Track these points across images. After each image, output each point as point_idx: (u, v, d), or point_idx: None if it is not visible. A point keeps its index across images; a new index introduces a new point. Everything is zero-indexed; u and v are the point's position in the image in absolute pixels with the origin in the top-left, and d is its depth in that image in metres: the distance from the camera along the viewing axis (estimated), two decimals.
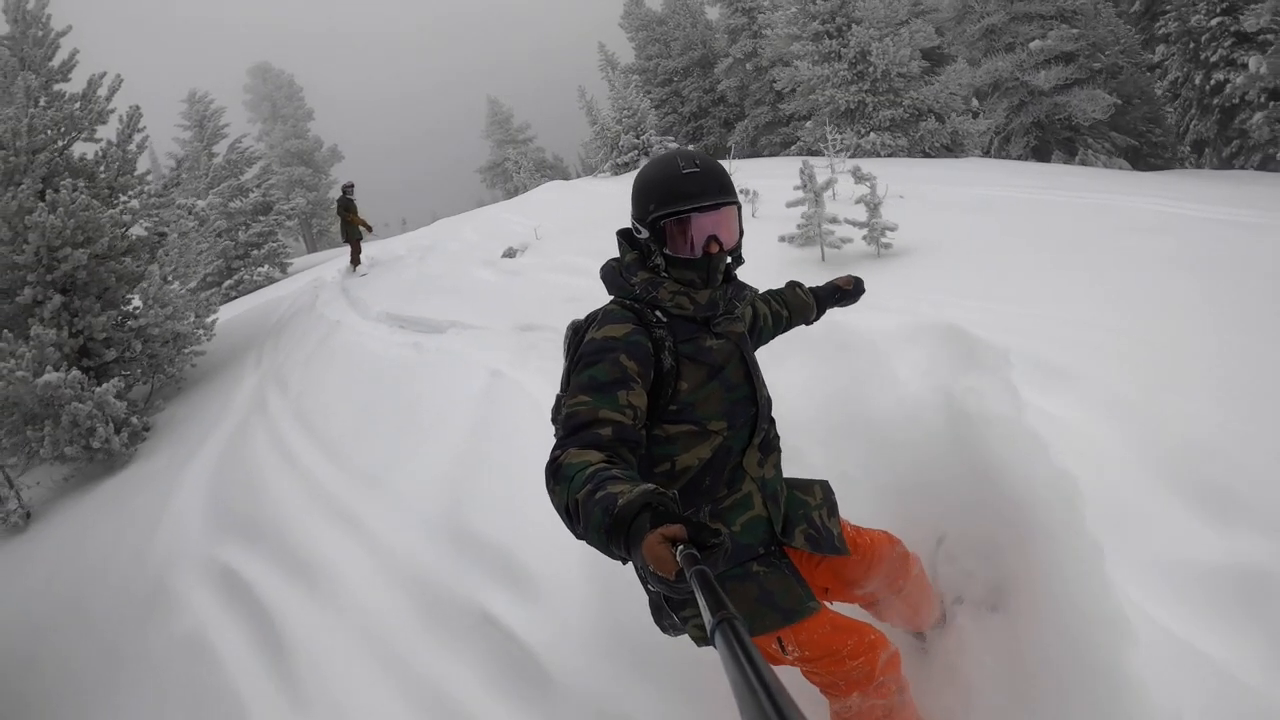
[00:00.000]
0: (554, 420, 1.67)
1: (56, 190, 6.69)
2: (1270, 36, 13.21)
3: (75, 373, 6.15)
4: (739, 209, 1.62)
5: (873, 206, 5.69)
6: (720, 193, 1.56)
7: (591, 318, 1.65)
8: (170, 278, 7.67)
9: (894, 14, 14.72)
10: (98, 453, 6.26)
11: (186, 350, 7.77)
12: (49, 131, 7.14)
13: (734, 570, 1.66)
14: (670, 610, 1.68)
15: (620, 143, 16.63)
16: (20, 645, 3.95)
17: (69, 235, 6.68)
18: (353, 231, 11.83)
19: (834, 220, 5.90)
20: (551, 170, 33.71)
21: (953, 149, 15.53)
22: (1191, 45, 15.43)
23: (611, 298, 1.67)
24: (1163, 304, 3.87)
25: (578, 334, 1.66)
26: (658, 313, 1.59)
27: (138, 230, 7.75)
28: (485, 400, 4.25)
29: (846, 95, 14.95)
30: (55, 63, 7.91)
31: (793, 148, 18.34)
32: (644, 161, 9.98)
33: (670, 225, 1.56)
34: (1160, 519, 2.34)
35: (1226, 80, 14.85)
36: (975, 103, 16.80)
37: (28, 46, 7.86)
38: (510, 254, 8.58)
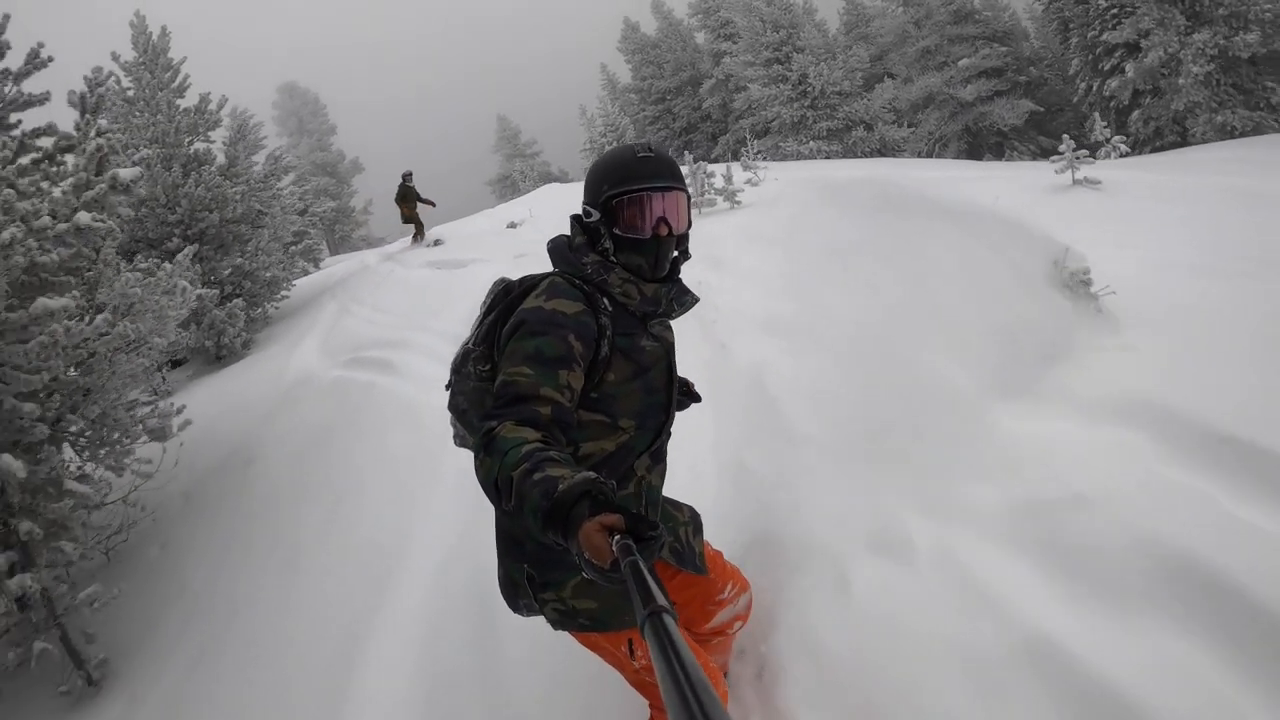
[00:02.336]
0: (457, 369, 1.74)
1: (199, 171, 9.79)
2: (1143, 42, 16.09)
3: (213, 291, 9.21)
4: (689, 199, 1.65)
5: (728, 180, 8.70)
6: (672, 177, 1.60)
7: (527, 282, 1.65)
8: (270, 240, 10.75)
9: (832, 43, 17.84)
10: (222, 349, 9.28)
11: (278, 294, 10.82)
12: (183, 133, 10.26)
13: None
14: (530, 590, 1.68)
15: (604, 151, 19.85)
16: (238, 448, 5.77)
17: (206, 203, 9.76)
18: (410, 215, 13.58)
19: (708, 190, 8.94)
20: (555, 180, 36.87)
21: (885, 153, 18.58)
22: (1090, 57, 18.35)
23: (554, 270, 1.66)
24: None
25: (508, 294, 1.67)
26: (605, 299, 1.59)
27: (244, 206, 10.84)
28: (504, 268, 7.26)
29: (790, 111, 18.09)
30: (175, 83, 11.03)
31: (757, 155, 21.46)
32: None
33: (622, 204, 1.58)
34: None
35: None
36: (894, 115, 19.81)
37: (157, 71, 10.97)
38: (512, 225, 11.65)
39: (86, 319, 4.12)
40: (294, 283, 11.27)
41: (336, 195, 37.74)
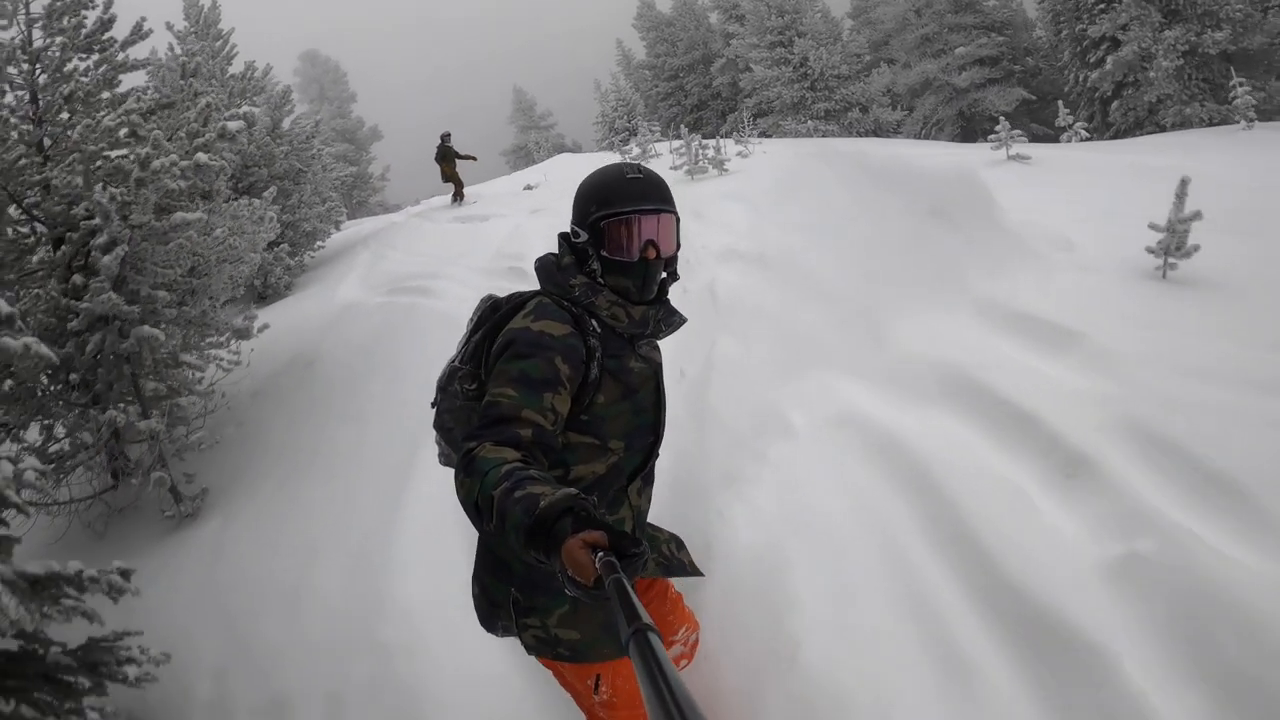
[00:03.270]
0: (443, 388, 1.78)
1: (250, 131, 11.04)
2: (1121, 36, 17.09)
3: None
4: (678, 221, 1.65)
5: (718, 150, 9.92)
6: (661, 200, 1.60)
7: (515, 301, 1.66)
8: (311, 195, 12.02)
9: (833, 28, 18.92)
10: (268, 288, 10.59)
11: (315, 244, 12.11)
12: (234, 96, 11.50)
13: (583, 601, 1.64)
14: (513, 614, 1.69)
15: (615, 125, 20.95)
16: (298, 355, 6.90)
17: (257, 159, 11.02)
18: (451, 174, 14.16)
19: (702, 159, 10.17)
20: (568, 151, 37.96)
21: (879, 134, 19.68)
22: (1078, 49, 19.34)
23: (541, 290, 1.67)
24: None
25: (495, 311, 1.69)
26: (594, 321, 1.59)
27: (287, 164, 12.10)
28: (513, 232, 8.53)
29: (791, 91, 19.20)
30: (224, 52, 12.24)
31: (753, 133, 22.57)
32: (637, 137, 14.04)
33: (610, 226, 1.57)
34: None
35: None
36: (890, 98, 20.91)
37: (208, 39, 12.17)
38: (529, 187, 12.90)
39: (206, 233, 5.41)
40: (331, 233, 12.55)
41: (355, 161, 38.93)
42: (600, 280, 1.60)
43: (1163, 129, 16.81)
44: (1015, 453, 2.76)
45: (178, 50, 11.55)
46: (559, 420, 1.45)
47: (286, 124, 12.62)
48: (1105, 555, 2.18)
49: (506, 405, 1.39)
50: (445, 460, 1.89)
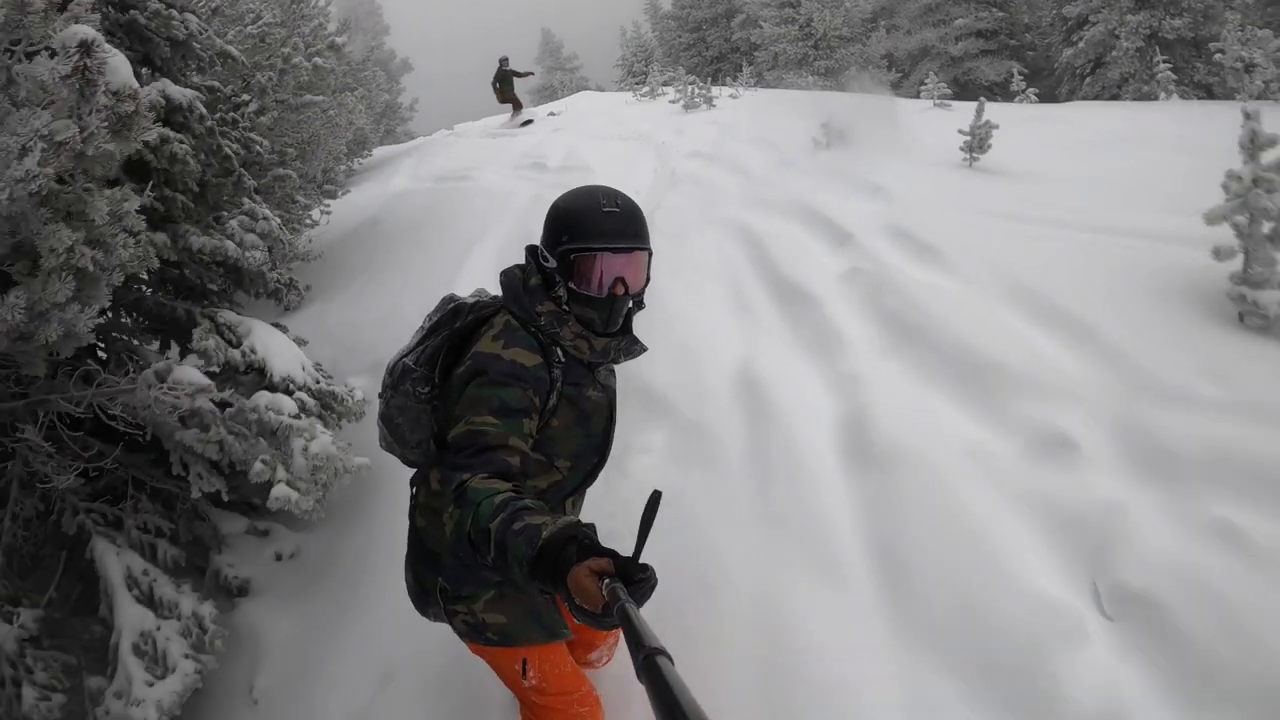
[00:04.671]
0: (394, 384, 1.75)
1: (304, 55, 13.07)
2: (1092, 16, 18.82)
3: None
4: (650, 256, 1.63)
5: (708, 92, 11.92)
6: (635, 237, 1.58)
7: (478, 311, 1.70)
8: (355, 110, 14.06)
9: None
10: (328, 182, 12.72)
11: (364, 151, 14.21)
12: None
13: (510, 586, 1.68)
14: (441, 601, 1.73)
15: (633, 69, 22.75)
16: (364, 221, 10.17)
17: (307, 83, 13.06)
18: (509, 96, 15.56)
19: (695, 95, 12.18)
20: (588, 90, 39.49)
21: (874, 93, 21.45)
22: (1064, 28, 21.00)
23: (505, 307, 1.66)
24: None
25: (456, 318, 1.71)
26: (558, 350, 1.61)
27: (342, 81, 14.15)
28: (536, 144, 10.63)
29: (795, 49, 20.99)
30: None
31: (750, 81, 24.37)
32: (649, 79, 16.00)
33: (580, 260, 1.56)
34: None
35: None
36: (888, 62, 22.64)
37: None
38: (552, 114, 14.93)
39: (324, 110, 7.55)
40: (375, 144, 14.66)
41: (387, 90, 40.55)
42: (565, 307, 1.60)
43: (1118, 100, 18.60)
44: (816, 235, 4.97)
45: None
46: (531, 446, 1.49)
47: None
48: (841, 269, 4.35)
49: (493, 434, 1.41)
50: (385, 445, 1.89)
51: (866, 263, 4.30)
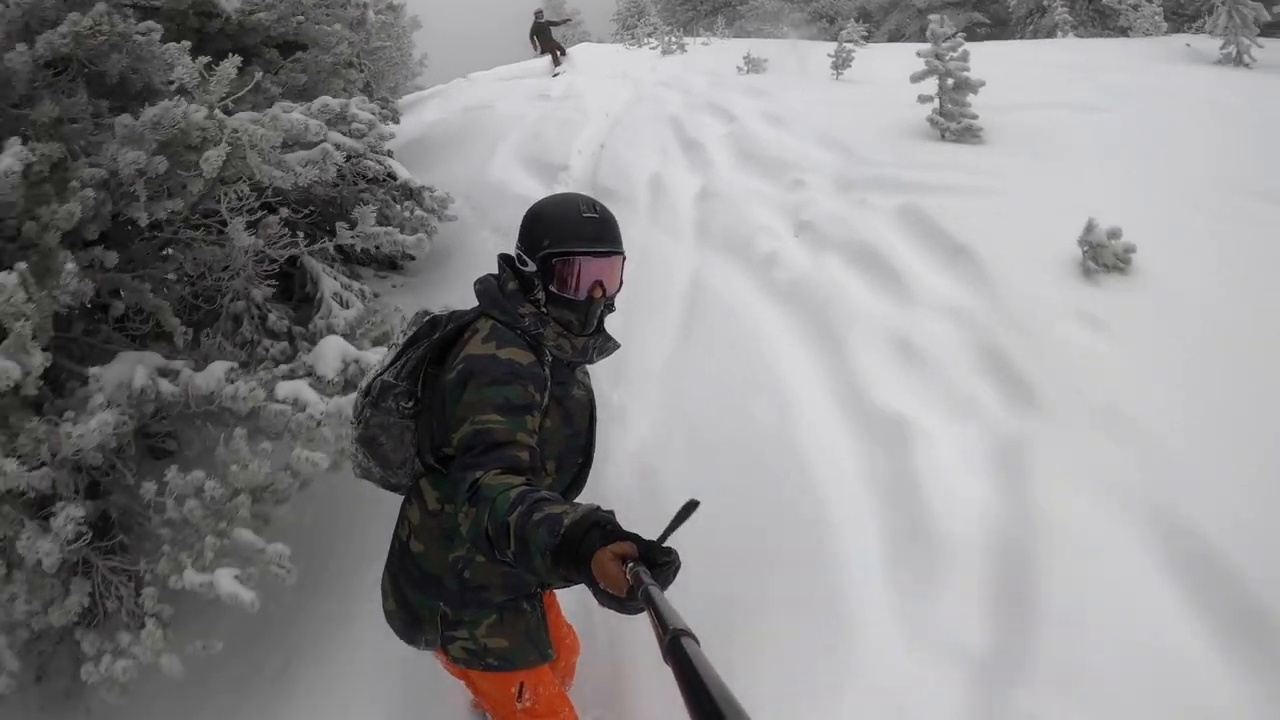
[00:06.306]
0: (374, 402, 1.75)
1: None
2: None
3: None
4: (624, 260, 1.71)
5: (680, 38, 14.58)
6: (613, 242, 1.66)
7: (457, 319, 1.73)
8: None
9: None
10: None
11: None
12: None
13: (509, 602, 1.74)
14: (440, 628, 1.73)
15: (626, 22, 25.29)
16: (408, 139, 13.01)
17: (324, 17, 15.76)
18: (549, 45, 17.04)
19: (672, 44, 14.83)
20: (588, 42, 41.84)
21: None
22: None
23: (484, 312, 1.69)
24: None
25: (434, 329, 1.75)
26: (545, 350, 1.65)
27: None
28: (539, 85, 13.36)
29: (771, 4, 23.49)
30: None
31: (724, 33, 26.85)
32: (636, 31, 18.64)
33: (560, 264, 1.62)
34: None
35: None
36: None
37: None
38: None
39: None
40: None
41: (399, 44, 42.79)
42: (544, 310, 1.65)
43: None
44: (717, 118, 7.71)
45: None
46: (535, 441, 1.52)
47: None
48: (724, 132, 7.14)
49: (499, 431, 1.44)
50: (363, 474, 1.89)
51: (739, 129, 7.12)
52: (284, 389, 3.06)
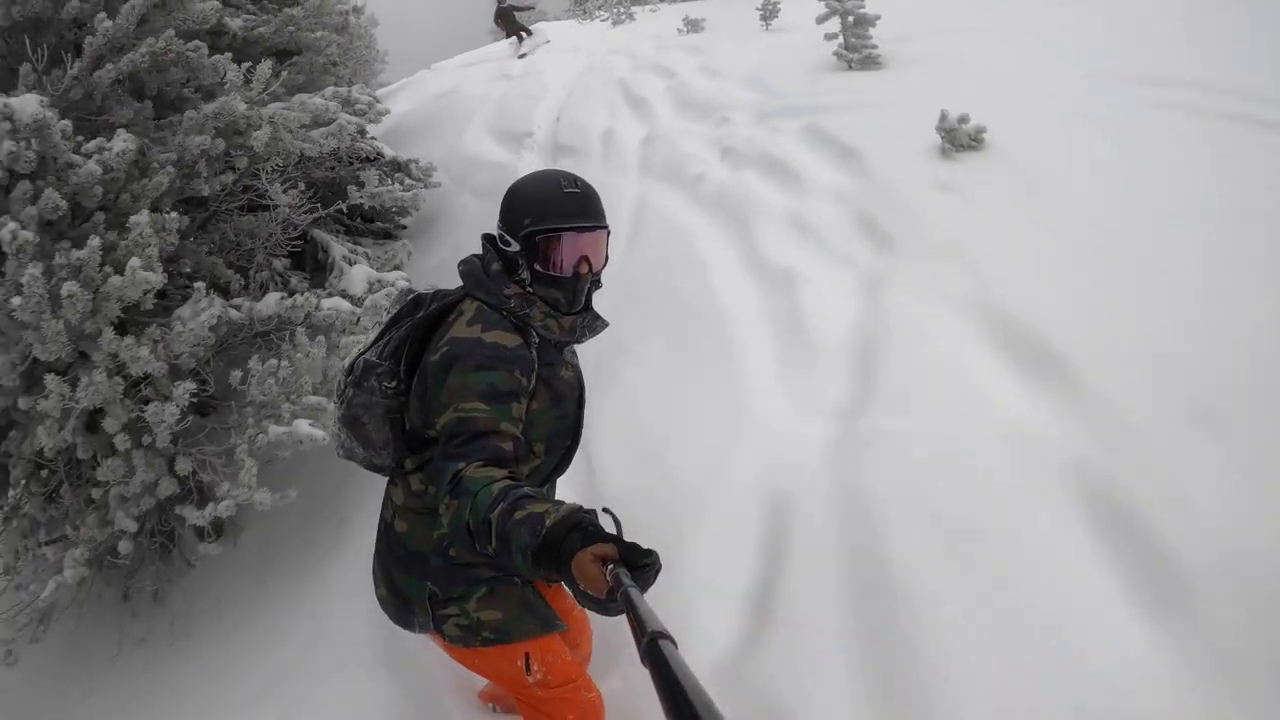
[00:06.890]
0: (357, 381, 1.73)
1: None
2: None
3: None
4: (608, 234, 1.68)
5: (628, 7, 15.42)
6: (596, 216, 1.62)
7: (441, 300, 1.72)
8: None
9: None
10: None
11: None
12: None
13: (498, 576, 1.71)
14: (430, 608, 1.71)
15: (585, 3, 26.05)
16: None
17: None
18: (513, 27, 17.27)
19: (621, 14, 15.66)
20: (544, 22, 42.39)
21: None
22: None
23: (468, 294, 1.67)
24: None
25: (418, 307, 1.74)
26: (532, 331, 1.62)
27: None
28: (501, 66, 14.22)
29: None
30: None
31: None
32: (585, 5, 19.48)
33: (545, 241, 1.58)
34: None
35: None
36: None
37: None
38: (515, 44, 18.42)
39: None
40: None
41: (340, 29, 43.31)
42: (530, 290, 1.62)
43: None
44: (659, 76, 8.66)
45: None
46: (522, 428, 1.50)
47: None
48: (664, 87, 8.09)
49: (483, 420, 1.42)
50: (346, 454, 1.85)
51: (677, 83, 8.08)
52: (326, 304, 4.04)
